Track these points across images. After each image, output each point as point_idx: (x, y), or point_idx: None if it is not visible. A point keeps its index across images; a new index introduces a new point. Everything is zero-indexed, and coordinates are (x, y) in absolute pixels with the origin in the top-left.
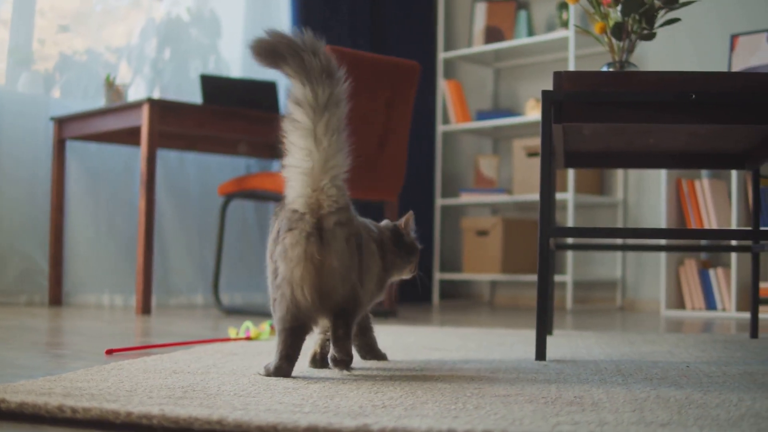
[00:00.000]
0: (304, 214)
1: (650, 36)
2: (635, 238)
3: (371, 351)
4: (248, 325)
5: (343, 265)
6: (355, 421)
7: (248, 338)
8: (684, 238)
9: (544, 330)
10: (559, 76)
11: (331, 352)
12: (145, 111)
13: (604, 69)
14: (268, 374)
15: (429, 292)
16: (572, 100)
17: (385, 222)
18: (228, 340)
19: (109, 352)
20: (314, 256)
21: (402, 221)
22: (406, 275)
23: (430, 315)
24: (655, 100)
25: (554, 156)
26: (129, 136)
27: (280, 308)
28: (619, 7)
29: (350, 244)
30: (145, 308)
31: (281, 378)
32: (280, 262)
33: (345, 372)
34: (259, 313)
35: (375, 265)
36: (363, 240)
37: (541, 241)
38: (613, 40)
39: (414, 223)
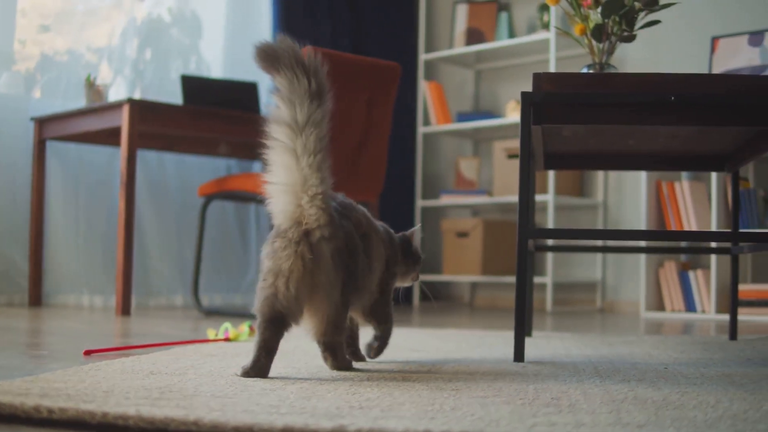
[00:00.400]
0: (289, 228)
1: (630, 38)
2: (614, 239)
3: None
4: (227, 327)
5: (329, 281)
6: (332, 422)
7: (227, 339)
8: (664, 240)
9: (522, 331)
10: (539, 78)
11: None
12: (125, 111)
13: (584, 71)
14: (245, 372)
15: (410, 294)
16: (551, 101)
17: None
18: (207, 341)
19: (88, 353)
20: (305, 254)
21: (410, 232)
22: (408, 282)
23: (410, 316)
24: (635, 102)
25: (534, 157)
26: (109, 137)
27: (258, 298)
28: (599, 9)
29: (335, 260)
30: (125, 309)
31: (259, 378)
32: (267, 261)
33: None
34: (239, 314)
35: (380, 266)
36: (355, 248)
37: (520, 242)
38: (593, 42)
39: (420, 234)
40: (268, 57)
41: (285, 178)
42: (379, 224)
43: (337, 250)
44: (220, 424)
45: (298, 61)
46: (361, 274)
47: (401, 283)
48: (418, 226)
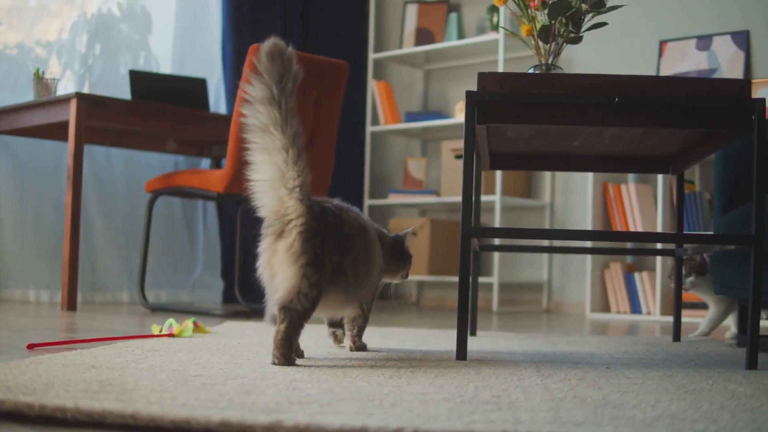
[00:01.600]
0: (272, 222)
1: (577, 39)
2: (559, 239)
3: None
4: (171, 322)
5: (289, 253)
6: (269, 417)
7: (171, 335)
8: (609, 241)
9: (464, 329)
10: (483, 77)
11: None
12: (73, 106)
13: (531, 71)
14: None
15: None
16: (495, 100)
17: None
18: (150, 336)
19: (31, 346)
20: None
21: (404, 233)
22: (397, 279)
23: None
24: (578, 103)
25: (479, 157)
26: (57, 131)
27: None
28: (546, 10)
29: (301, 238)
30: (71, 304)
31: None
32: (259, 257)
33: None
34: (185, 310)
35: (379, 260)
36: (351, 235)
37: (463, 241)
38: (540, 43)
39: (413, 236)
40: (273, 58)
41: (265, 174)
42: (375, 226)
43: (306, 231)
44: (158, 417)
45: (292, 69)
46: (348, 266)
47: (391, 280)
48: (411, 229)
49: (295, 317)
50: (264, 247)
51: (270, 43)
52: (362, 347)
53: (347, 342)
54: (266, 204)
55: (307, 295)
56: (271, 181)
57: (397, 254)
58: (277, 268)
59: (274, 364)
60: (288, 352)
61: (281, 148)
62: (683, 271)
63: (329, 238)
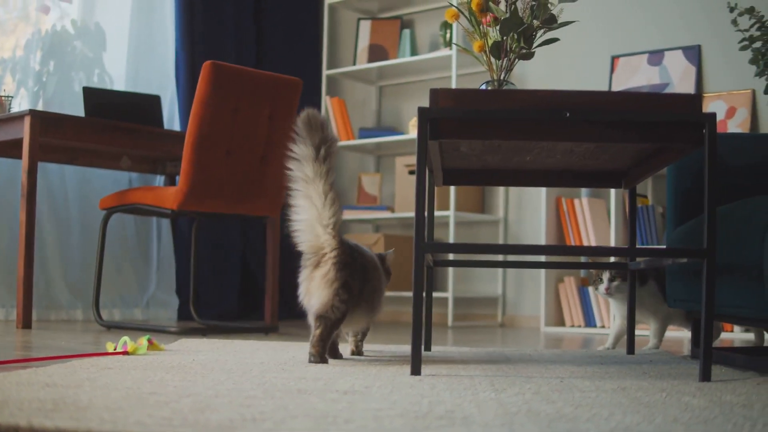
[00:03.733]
0: (310, 255)
1: (529, 55)
2: (512, 254)
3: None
4: (126, 340)
5: (327, 278)
6: None
7: (125, 353)
8: (562, 255)
9: (418, 344)
10: (436, 94)
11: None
12: (27, 123)
13: (482, 87)
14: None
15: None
16: (448, 116)
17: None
18: (105, 354)
19: None
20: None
21: (386, 253)
22: None
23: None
24: (530, 118)
25: (432, 173)
26: (11, 149)
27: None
28: (498, 27)
29: (335, 268)
30: (26, 322)
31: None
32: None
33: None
34: (139, 328)
35: (384, 287)
36: (369, 268)
37: (416, 256)
38: (492, 59)
39: (392, 256)
40: (311, 125)
41: (305, 215)
42: (374, 254)
43: (339, 262)
44: None
45: (327, 133)
46: (367, 293)
47: None
48: (392, 251)
49: (327, 324)
50: (303, 277)
51: (304, 114)
52: (361, 352)
53: (350, 347)
54: (305, 240)
55: (338, 308)
56: (310, 220)
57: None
58: (314, 291)
59: (310, 361)
60: (322, 351)
61: (321, 193)
62: (607, 275)
63: (355, 271)
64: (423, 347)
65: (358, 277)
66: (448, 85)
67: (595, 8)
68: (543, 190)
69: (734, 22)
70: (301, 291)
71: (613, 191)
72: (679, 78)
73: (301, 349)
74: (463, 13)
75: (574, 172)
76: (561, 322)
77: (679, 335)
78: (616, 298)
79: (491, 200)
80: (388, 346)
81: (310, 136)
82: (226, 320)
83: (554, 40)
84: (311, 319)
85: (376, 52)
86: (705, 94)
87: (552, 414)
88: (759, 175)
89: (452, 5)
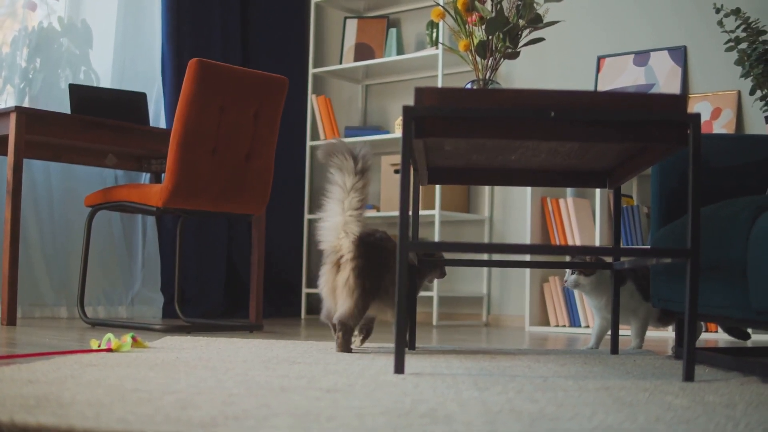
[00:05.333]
0: (329, 254)
1: (514, 55)
2: (497, 253)
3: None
4: (110, 337)
5: (348, 285)
6: (205, 431)
7: (109, 350)
8: (547, 254)
9: (402, 343)
10: (421, 92)
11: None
12: (12, 120)
13: (468, 86)
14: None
15: (299, 307)
16: (432, 115)
17: None
18: (89, 351)
19: None
20: (335, 272)
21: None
22: None
23: (297, 329)
24: (514, 117)
25: (417, 172)
26: None
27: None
28: (484, 26)
29: (354, 273)
30: (11, 319)
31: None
32: (320, 279)
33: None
34: (123, 325)
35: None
36: (390, 262)
37: (400, 255)
38: (478, 59)
39: None
40: (328, 151)
41: (331, 220)
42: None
43: (357, 267)
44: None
45: (349, 151)
46: (387, 283)
47: None
48: None
49: (347, 329)
50: (324, 271)
51: (322, 148)
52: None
53: (353, 345)
54: (327, 240)
55: (357, 317)
56: (336, 225)
57: None
58: (338, 297)
59: (338, 351)
60: (346, 347)
61: (353, 206)
62: (569, 271)
63: (372, 270)
64: (407, 346)
65: (376, 275)
66: (434, 85)
67: (581, 8)
68: (528, 189)
69: (720, 23)
70: (321, 282)
71: (598, 191)
72: (664, 79)
73: (285, 347)
74: (449, 12)
75: (559, 171)
76: (546, 322)
77: (664, 335)
78: (583, 291)
79: (476, 200)
80: (373, 344)
81: (344, 159)
82: (210, 318)
83: (540, 39)
84: (326, 316)
85: (363, 51)
86: (690, 95)
87: (535, 413)
88: (743, 176)
89: (438, 4)
